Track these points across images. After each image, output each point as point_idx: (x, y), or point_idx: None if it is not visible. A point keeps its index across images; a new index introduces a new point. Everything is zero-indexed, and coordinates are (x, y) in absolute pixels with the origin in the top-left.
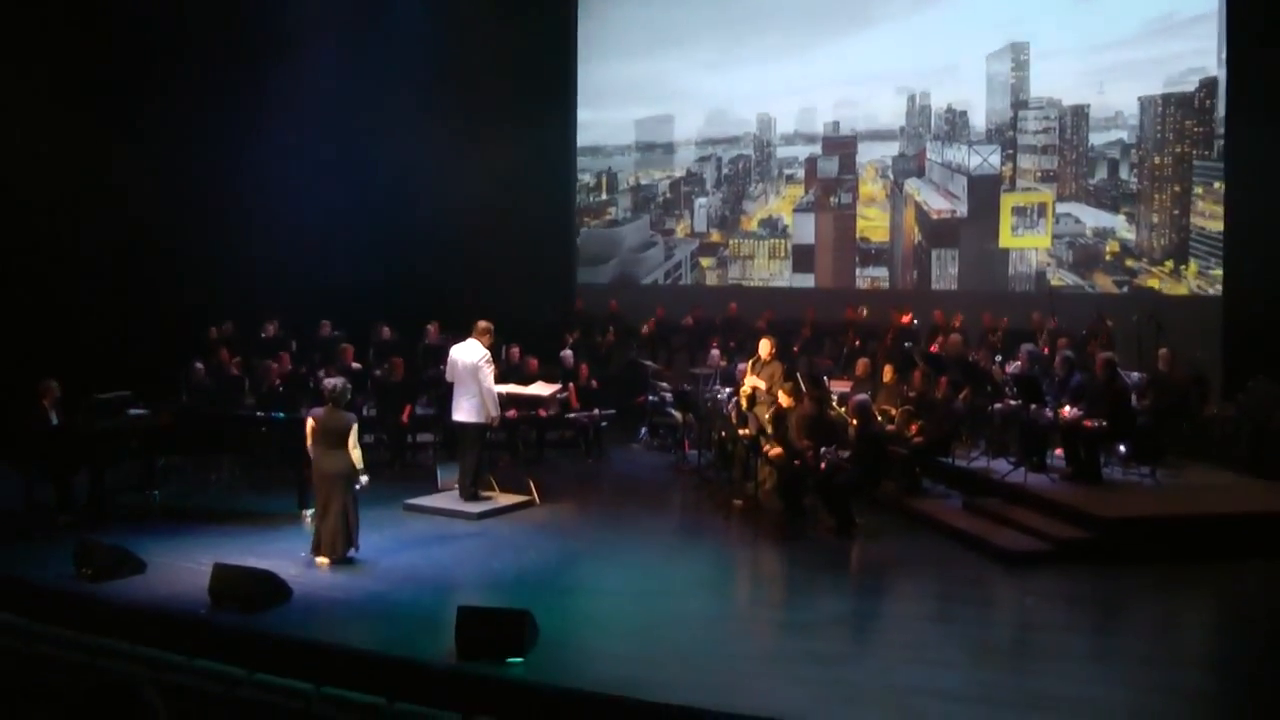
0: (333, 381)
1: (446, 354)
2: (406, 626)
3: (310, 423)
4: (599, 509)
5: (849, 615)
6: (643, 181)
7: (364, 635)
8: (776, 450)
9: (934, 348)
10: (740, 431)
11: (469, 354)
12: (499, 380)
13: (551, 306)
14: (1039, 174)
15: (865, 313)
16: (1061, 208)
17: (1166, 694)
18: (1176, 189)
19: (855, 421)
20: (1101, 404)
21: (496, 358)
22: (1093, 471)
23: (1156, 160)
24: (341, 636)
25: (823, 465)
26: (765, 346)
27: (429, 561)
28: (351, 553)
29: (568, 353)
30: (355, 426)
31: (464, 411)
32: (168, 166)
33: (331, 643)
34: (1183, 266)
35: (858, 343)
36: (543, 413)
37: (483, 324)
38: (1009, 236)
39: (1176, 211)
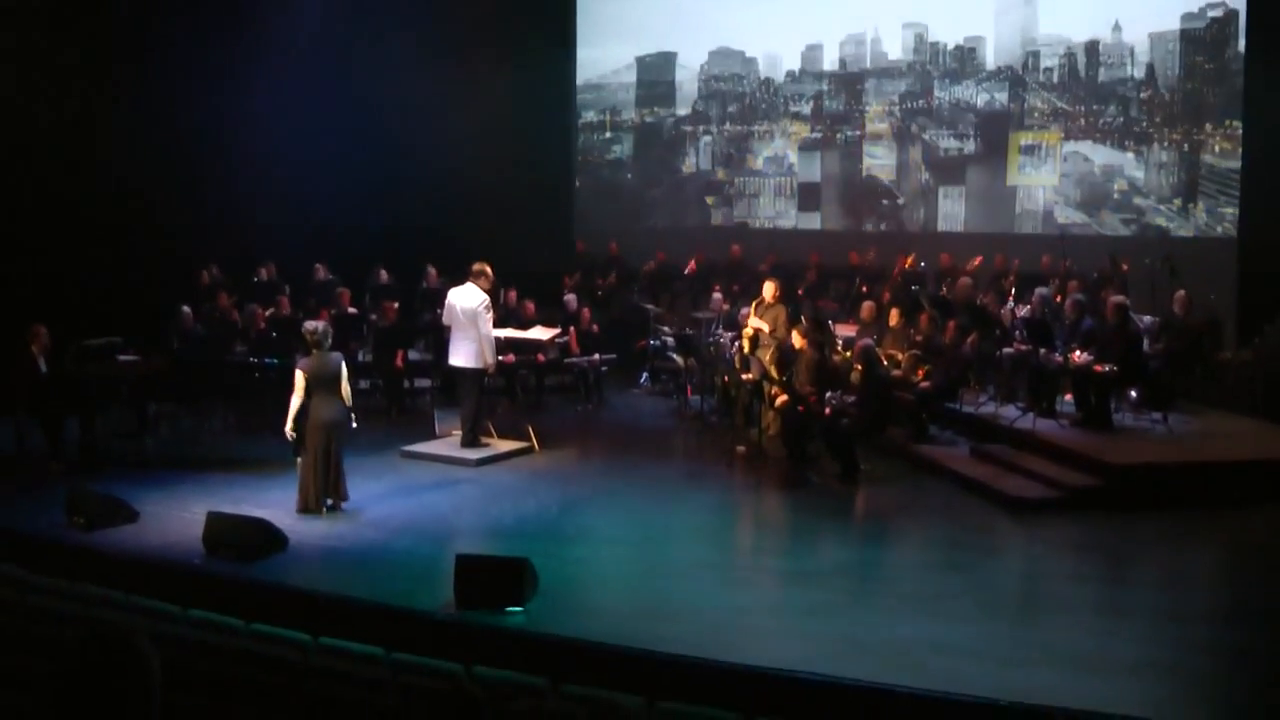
0: (311, 325)
1: (445, 298)
2: (404, 576)
3: (300, 376)
4: (599, 456)
5: (853, 564)
6: (646, 120)
7: (361, 585)
8: (783, 397)
9: (943, 291)
10: (743, 376)
11: (467, 299)
12: (497, 324)
13: (551, 249)
14: (1048, 112)
15: (872, 255)
16: (1070, 146)
17: (1177, 646)
18: (1187, 127)
19: (860, 366)
20: (1113, 348)
21: (495, 301)
22: (1103, 417)
23: (1167, 97)
24: (338, 586)
25: (827, 410)
26: (769, 289)
27: (426, 509)
28: (343, 503)
29: (571, 296)
30: (345, 368)
31: (461, 356)
32: (158, 109)
33: (328, 593)
34: (1191, 205)
35: (864, 287)
36: (542, 358)
37: (479, 266)
38: (1016, 174)
39: (1187, 148)
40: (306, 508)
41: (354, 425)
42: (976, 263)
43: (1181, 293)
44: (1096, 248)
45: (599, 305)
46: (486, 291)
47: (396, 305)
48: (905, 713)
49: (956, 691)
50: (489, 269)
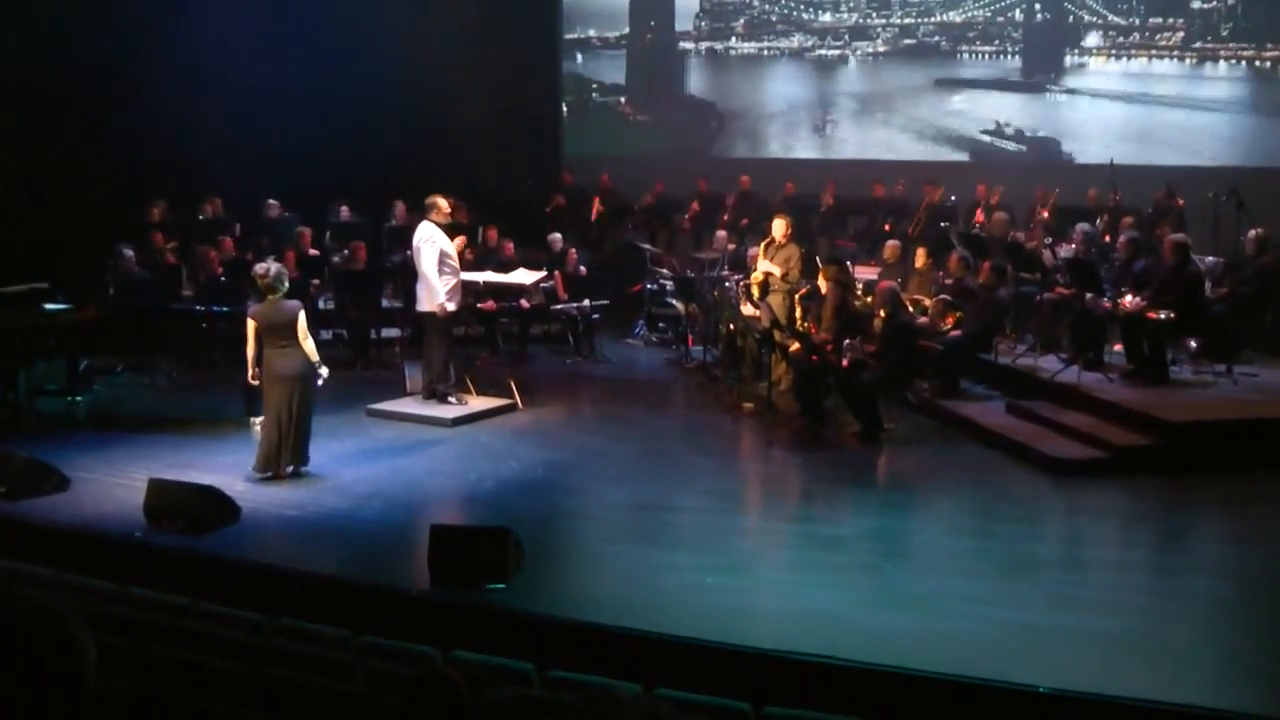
0: (263, 266)
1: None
2: (372, 548)
3: (251, 323)
4: (590, 413)
5: (873, 535)
6: (641, 36)
7: (323, 558)
8: (796, 346)
9: (975, 227)
10: (751, 313)
11: (419, 234)
12: (474, 266)
13: (535, 181)
14: (1098, 25)
15: (902, 187)
16: (1122, 64)
17: (1239, 627)
18: (1258, 43)
19: (883, 312)
20: (1169, 292)
21: (472, 241)
22: (1158, 369)
23: (1234, 5)
24: (298, 560)
25: (845, 361)
26: (779, 226)
27: (397, 474)
28: (303, 467)
29: (557, 235)
30: (303, 314)
31: (419, 300)
32: (90, 20)
33: (287, 567)
34: None
35: (886, 225)
36: (525, 304)
37: (432, 199)
38: (1061, 96)
39: (1258, 65)
40: (265, 469)
41: (322, 380)
42: (995, 197)
43: (1257, 231)
44: (1151, 179)
45: (589, 244)
46: (442, 226)
47: (365, 246)
48: (924, 698)
49: (984, 678)
50: (442, 201)
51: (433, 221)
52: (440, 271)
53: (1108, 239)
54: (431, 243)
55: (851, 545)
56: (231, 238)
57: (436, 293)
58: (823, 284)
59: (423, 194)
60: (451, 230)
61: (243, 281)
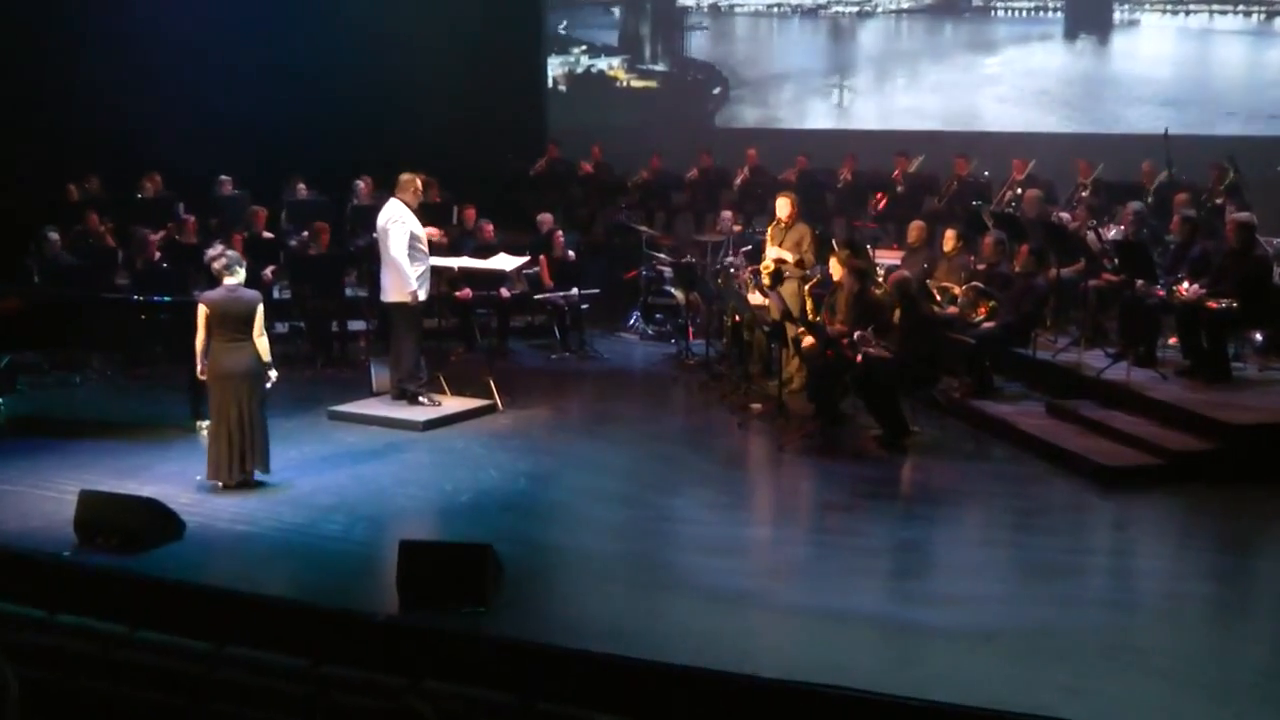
0: (216, 250)
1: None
2: (334, 568)
3: (202, 310)
4: (579, 415)
5: (896, 552)
6: None
7: (279, 579)
8: (810, 340)
9: (1010, 206)
10: (759, 302)
11: (385, 214)
12: (450, 250)
13: (515, 154)
14: None
15: (928, 162)
16: (1178, 20)
17: None
18: None
19: (896, 302)
20: (1231, 279)
21: (446, 221)
22: (1219, 365)
23: None
24: (250, 581)
25: (858, 356)
26: (784, 206)
27: (362, 484)
28: (260, 475)
29: (546, 215)
30: (261, 308)
31: (384, 289)
32: None
33: (237, 590)
34: None
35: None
36: (506, 293)
37: (406, 177)
38: (1108, 57)
39: None
40: (218, 479)
41: (271, 381)
42: (1023, 169)
43: None
44: (1211, 150)
45: (578, 226)
46: (413, 208)
47: (327, 227)
48: None
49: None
50: (419, 180)
51: (402, 201)
52: (411, 257)
53: (1173, 228)
54: (400, 224)
55: (869, 565)
56: (175, 219)
57: (407, 280)
58: (835, 269)
59: (390, 169)
60: (425, 214)
61: (188, 267)
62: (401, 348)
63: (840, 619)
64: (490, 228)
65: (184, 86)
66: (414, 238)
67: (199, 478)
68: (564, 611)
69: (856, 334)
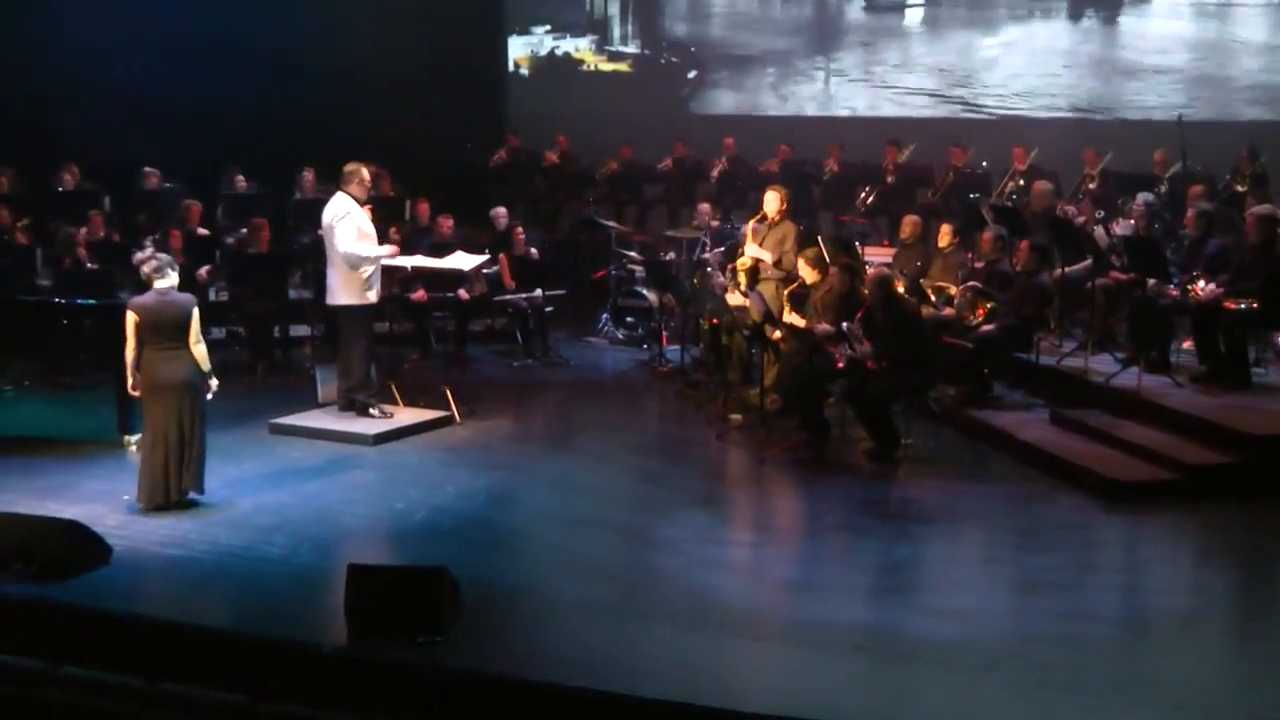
0: (145, 254)
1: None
2: (276, 594)
3: (131, 318)
4: (544, 428)
5: (886, 577)
6: None
7: (216, 608)
8: (779, 334)
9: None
10: (739, 303)
11: (331, 210)
12: (403, 248)
13: (472, 143)
14: None
15: (922, 151)
16: None
17: None
18: None
19: (876, 300)
20: (1252, 276)
21: (398, 216)
22: (1238, 370)
23: None
24: (184, 610)
25: (839, 361)
26: (772, 201)
27: (307, 503)
28: (194, 494)
29: (501, 210)
30: (197, 312)
31: (332, 291)
32: None
33: (169, 620)
34: None
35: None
36: (464, 294)
37: (352, 167)
38: (1115, 34)
39: None
40: (153, 501)
41: (212, 391)
42: (1024, 159)
43: None
44: (1228, 137)
45: (541, 221)
46: (360, 201)
47: (268, 223)
48: None
49: None
50: (366, 171)
51: (348, 194)
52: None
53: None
54: (348, 218)
55: (858, 592)
56: (101, 213)
57: (366, 290)
58: (804, 270)
59: (336, 160)
60: (376, 209)
61: (113, 267)
62: (350, 354)
63: (828, 647)
64: (447, 224)
65: (106, 67)
66: (362, 233)
67: (127, 497)
68: (528, 641)
69: (845, 325)
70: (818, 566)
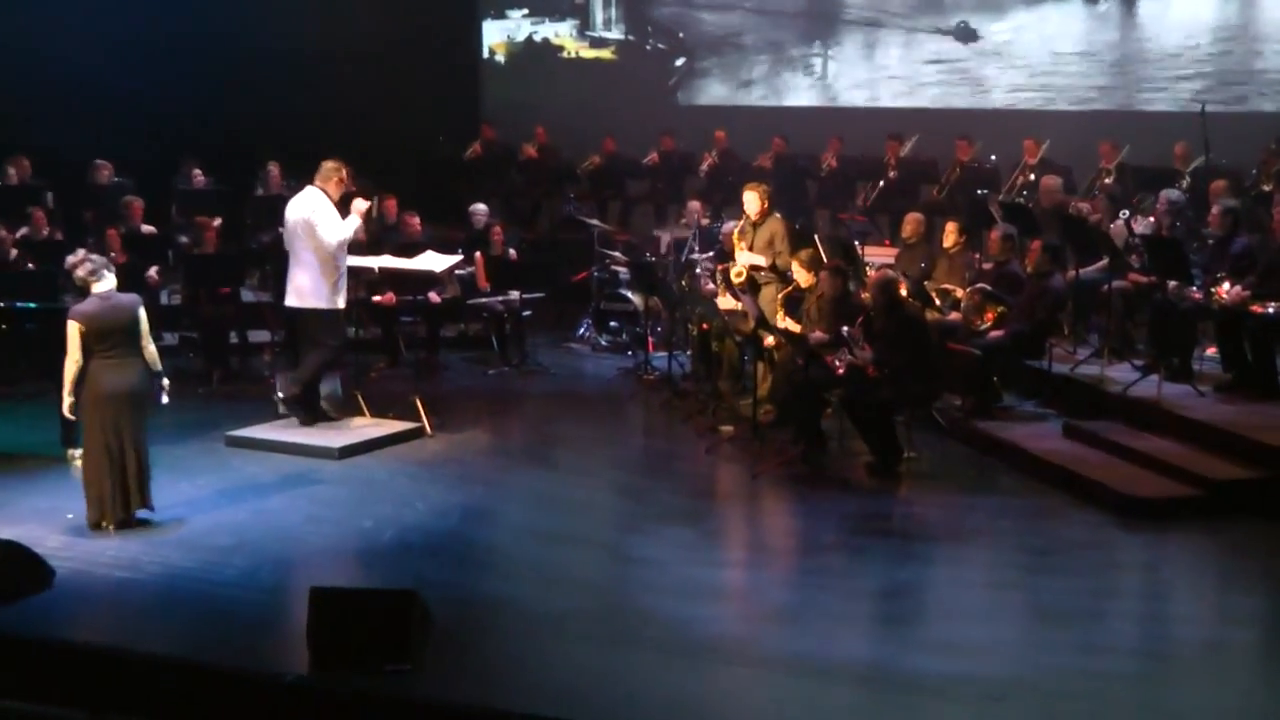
0: (76, 257)
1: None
2: (233, 620)
3: (75, 328)
4: (521, 440)
5: (889, 600)
6: None
7: (168, 636)
8: (772, 340)
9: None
10: (729, 306)
11: (302, 206)
12: (370, 249)
13: (444, 136)
14: None
15: (926, 144)
16: None
17: None
18: None
19: (877, 304)
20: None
21: (366, 215)
22: (1265, 379)
23: None
24: (133, 638)
25: (839, 368)
26: (752, 201)
27: (266, 522)
28: (142, 512)
29: (480, 206)
30: (143, 312)
31: (299, 292)
32: None
33: (117, 647)
34: None
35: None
36: (436, 297)
37: (333, 164)
38: (1130, 19)
39: None
40: (102, 520)
41: (165, 395)
42: (1035, 152)
43: None
44: (1254, 129)
45: (519, 219)
46: (334, 200)
47: (218, 223)
48: None
49: None
50: (345, 169)
51: (323, 191)
52: (326, 257)
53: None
54: (327, 215)
55: (869, 601)
56: (43, 209)
57: (328, 283)
58: (799, 273)
59: (297, 152)
60: (342, 206)
61: (55, 267)
62: (312, 357)
63: (825, 675)
64: (416, 222)
65: (56, 55)
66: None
67: (71, 516)
68: (504, 668)
69: (845, 330)
70: (813, 590)
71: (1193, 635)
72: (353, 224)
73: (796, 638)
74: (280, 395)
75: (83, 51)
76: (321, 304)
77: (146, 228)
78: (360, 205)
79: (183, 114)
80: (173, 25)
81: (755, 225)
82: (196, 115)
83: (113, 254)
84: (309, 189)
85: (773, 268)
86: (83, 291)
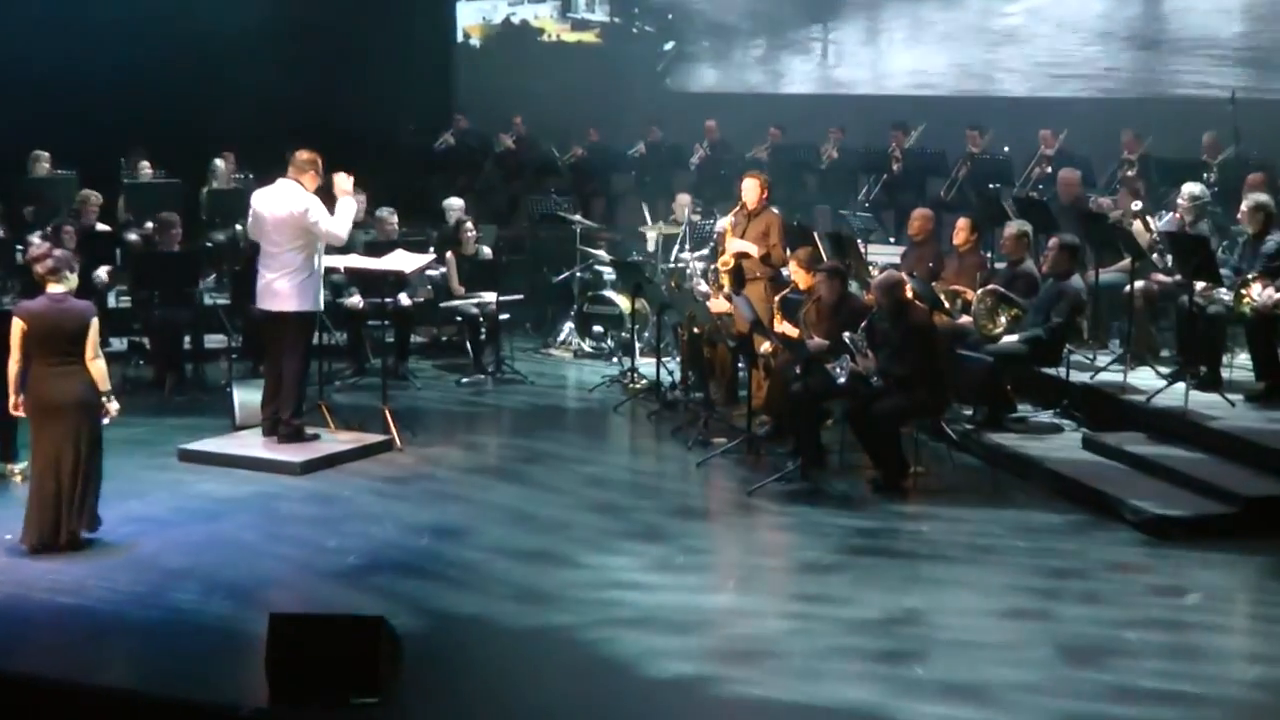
0: (40, 250)
1: (247, 202)
2: (186, 649)
3: (18, 326)
4: (497, 455)
5: (893, 626)
6: None
7: (116, 666)
8: (768, 346)
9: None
10: (722, 309)
11: (283, 201)
12: (337, 249)
13: (415, 126)
14: None
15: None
16: None
17: None
18: None
19: (882, 308)
20: None
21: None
22: None
23: None
24: (78, 669)
25: (840, 377)
26: (751, 189)
27: (222, 543)
28: (88, 533)
29: (456, 201)
30: (96, 323)
31: (278, 295)
32: None
33: (61, 680)
34: None
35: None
36: (406, 300)
37: (309, 155)
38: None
39: None
40: (41, 542)
41: (111, 415)
42: (1052, 143)
43: None
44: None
45: (495, 215)
46: (314, 191)
47: (178, 219)
48: None
49: None
50: (320, 160)
51: (301, 185)
52: (309, 255)
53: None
54: (314, 212)
55: (871, 632)
56: None
57: (310, 284)
58: (797, 274)
59: (255, 141)
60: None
61: None
62: (287, 370)
63: (821, 715)
64: (393, 220)
65: None
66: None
67: (10, 536)
68: (477, 701)
69: (847, 335)
70: (810, 620)
71: (1229, 672)
72: (351, 207)
73: (790, 669)
74: (263, 428)
75: (17, 33)
76: (305, 306)
77: (100, 225)
78: (344, 182)
79: (128, 100)
80: (115, 5)
81: (750, 216)
82: (142, 102)
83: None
84: (283, 182)
85: (765, 259)
86: (38, 287)
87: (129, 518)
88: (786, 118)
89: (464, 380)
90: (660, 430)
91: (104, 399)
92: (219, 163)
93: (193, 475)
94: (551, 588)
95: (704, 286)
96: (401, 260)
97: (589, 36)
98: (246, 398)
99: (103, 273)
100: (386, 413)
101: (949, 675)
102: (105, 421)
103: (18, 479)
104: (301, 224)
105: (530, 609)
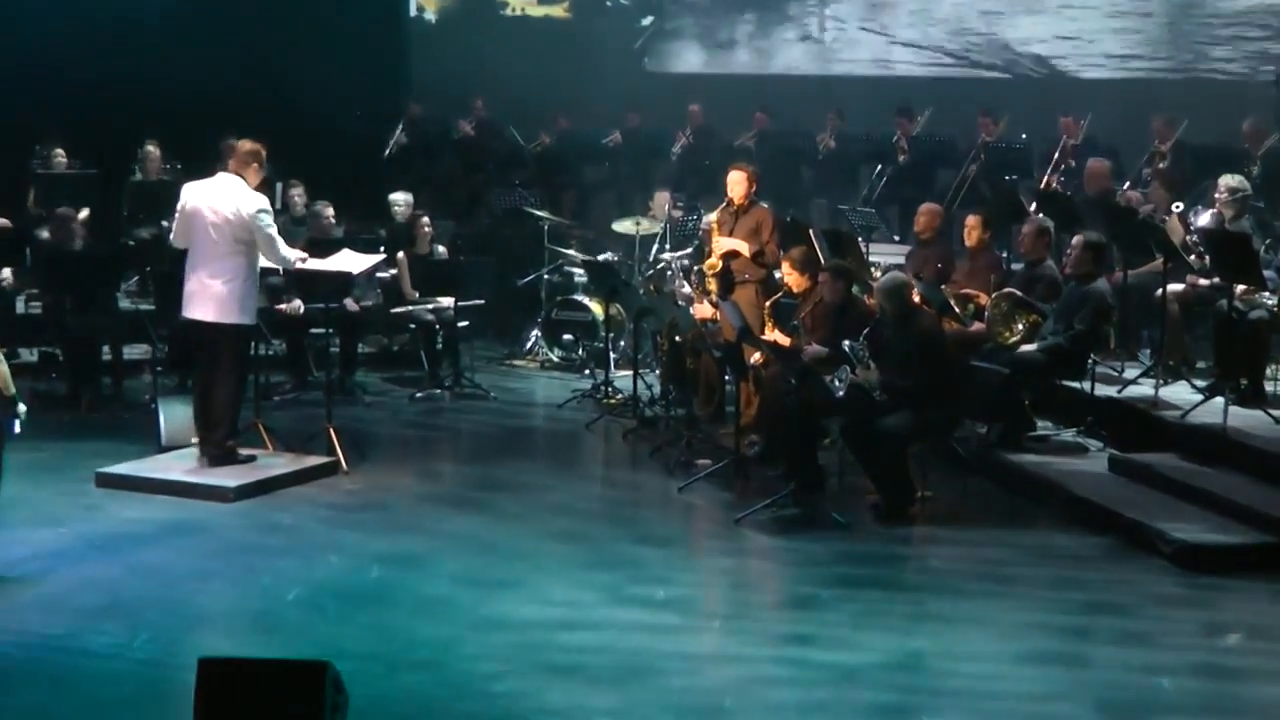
0: None
1: (174, 198)
2: (105, 697)
3: None
4: (454, 479)
5: (900, 664)
6: None
7: (24, 715)
8: (759, 356)
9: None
10: (707, 314)
11: (226, 199)
12: None
13: (362, 111)
14: None
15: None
16: None
17: None
18: None
19: (886, 314)
20: None
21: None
22: None
23: None
24: None
25: (839, 390)
26: (737, 183)
27: (146, 578)
28: None
29: (402, 195)
30: None
31: (213, 301)
32: None
33: None
34: None
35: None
36: (353, 305)
37: (251, 146)
38: None
39: None
40: None
41: (18, 428)
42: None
43: None
44: None
45: (452, 210)
46: (253, 189)
47: (84, 215)
48: None
49: None
50: (261, 151)
51: (247, 180)
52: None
53: None
54: (265, 209)
55: (869, 681)
56: None
57: (247, 294)
58: (790, 275)
59: (183, 131)
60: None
61: None
62: (223, 389)
63: None
64: (329, 214)
65: None
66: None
67: None
68: None
69: (848, 344)
70: (800, 666)
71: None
72: (294, 252)
73: (794, 705)
74: (199, 450)
75: None
76: (244, 319)
77: (2, 221)
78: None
79: (38, 83)
80: None
81: (738, 213)
82: (59, 85)
83: None
84: (223, 176)
85: (758, 255)
86: None
87: (40, 550)
88: (779, 102)
89: (418, 395)
90: (638, 451)
91: (13, 407)
92: (151, 149)
93: (112, 502)
94: (512, 630)
95: (687, 290)
96: (348, 261)
97: (558, 11)
98: (173, 415)
99: (7, 274)
100: (330, 432)
101: None
102: (16, 430)
103: None
104: (249, 226)
105: (489, 650)
